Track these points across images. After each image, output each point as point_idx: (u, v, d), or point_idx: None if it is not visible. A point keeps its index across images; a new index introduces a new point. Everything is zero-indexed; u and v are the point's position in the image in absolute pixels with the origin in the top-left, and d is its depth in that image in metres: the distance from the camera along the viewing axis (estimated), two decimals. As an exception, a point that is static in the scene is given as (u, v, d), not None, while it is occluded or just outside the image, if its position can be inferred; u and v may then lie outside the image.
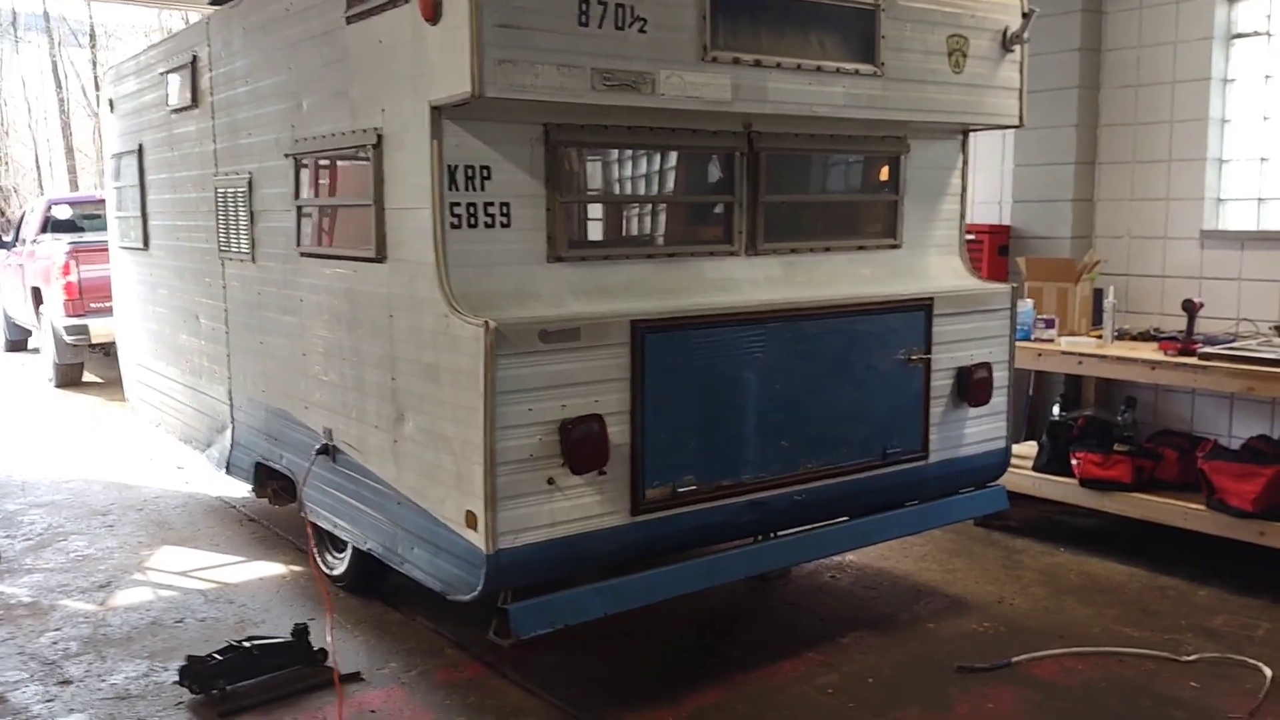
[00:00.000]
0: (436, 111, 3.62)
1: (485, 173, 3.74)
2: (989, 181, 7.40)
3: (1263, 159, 6.24)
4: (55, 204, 13.25)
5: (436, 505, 3.83)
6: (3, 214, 30.46)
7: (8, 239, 13.78)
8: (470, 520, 3.61)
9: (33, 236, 12.61)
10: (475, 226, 3.73)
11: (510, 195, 3.80)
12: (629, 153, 4.18)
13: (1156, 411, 6.46)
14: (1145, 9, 6.53)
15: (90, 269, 10.84)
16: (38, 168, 33.20)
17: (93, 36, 31.35)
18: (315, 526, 4.97)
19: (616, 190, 4.27)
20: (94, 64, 32.02)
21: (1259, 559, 5.26)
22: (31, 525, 6.54)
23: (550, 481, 3.68)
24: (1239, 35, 6.28)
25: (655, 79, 3.74)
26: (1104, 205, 6.82)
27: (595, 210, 4.21)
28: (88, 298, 10.93)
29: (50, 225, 12.66)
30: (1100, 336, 5.99)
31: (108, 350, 11.29)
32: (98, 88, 31.37)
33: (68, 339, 11.11)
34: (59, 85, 32.41)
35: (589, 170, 4.13)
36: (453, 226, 3.68)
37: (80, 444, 8.84)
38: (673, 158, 4.26)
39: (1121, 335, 6.12)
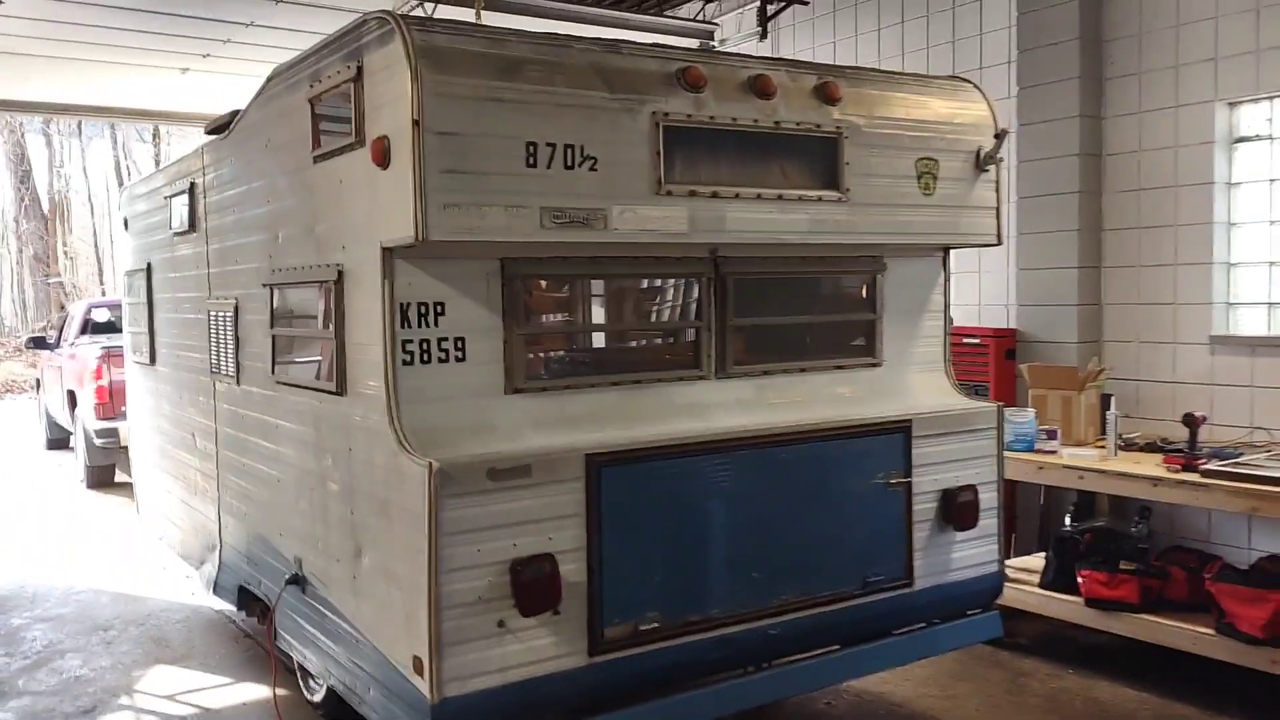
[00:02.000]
0: (388, 252, 3.65)
1: (439, 309, 3.75)
2: (995, 285, 7.31)
3: (1271, 263, 6.09)
4: (95, 307, 13.60)
5: (389, 646, 3.77)
6: (63, 309, 31.50)
7: (51, 339, 14.16)
8: (417, 666, 3.54)
9: (72, 338, 12.94)
10: (429, 362, 3.73)
11: (465, 330, 3.80)
12: (591, 282, 4.17)
13: (1173, 522, 6.23)
14: (1144, 114, 6.48)
15: (122, 372, 11.05)
16: (99, 264, 34.26)
17: (156, 133, 32.54)
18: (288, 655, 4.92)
19: (578, 319, 4.26)
20: (156, 160, 33.27)
21: (1276, 687, 5.00)
22: (32, 642, 6.57)
23: (500, 624, 3.60)
24: (1241, 139, 6.19)
25: (608, 214, 3.75)
26: (1111, 309, 6.70)
27: (555, 341, 4.19)
28: (118, 401, 11.11)
29: (89, 327, 12.99)
30: (1104, 447, 5.81)
31: (136, 453, 11.46)
32: (156, 186, 32.55)
33: (98, 441, 11.31)
34: (121, 183, 33.66)
35: (548, 301, 4.13)
36: (405, 363, 3.68)
37: (98, 549, 8.92)
38: (636, 285, 4.24)
39: (1129, 445, 5.95)
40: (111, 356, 11.22)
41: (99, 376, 11.25)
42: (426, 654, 3.48)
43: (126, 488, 11.87)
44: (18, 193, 31.44)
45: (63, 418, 13.57)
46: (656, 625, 3.92)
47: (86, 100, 10.71)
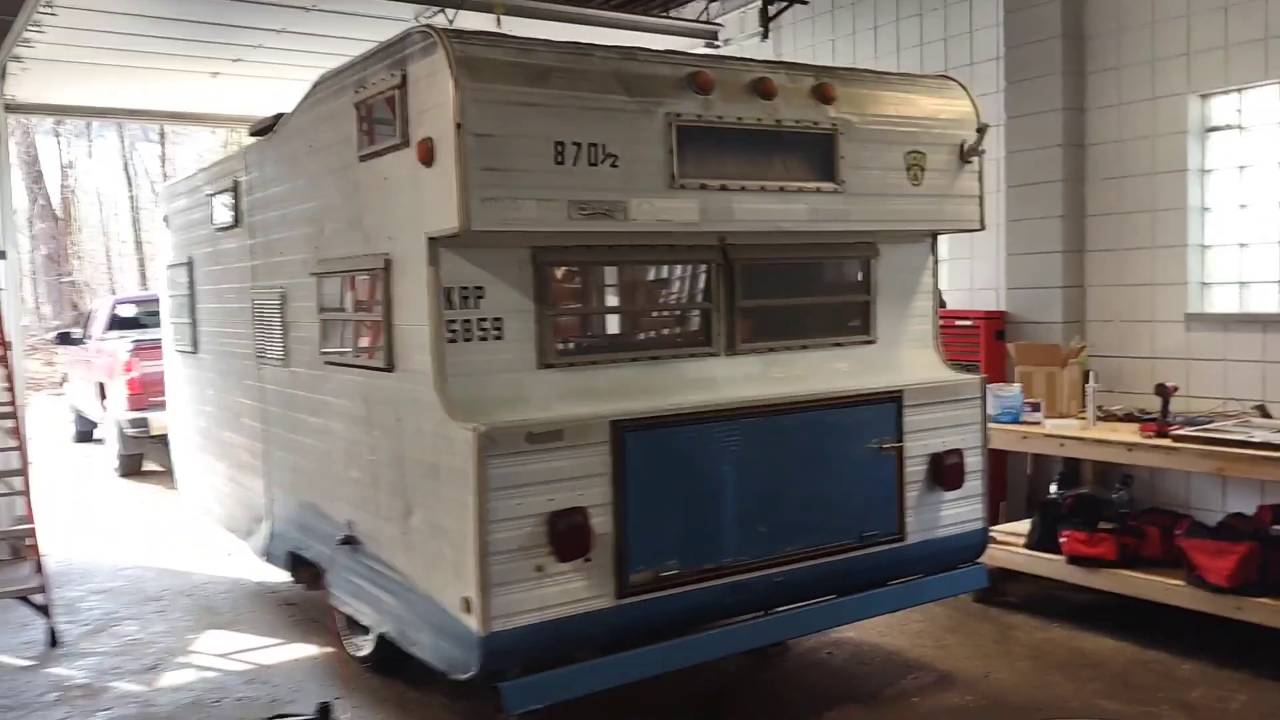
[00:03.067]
0: (433, 241, 4.11)
1: (479, 292, 4.22)
2: (986, 269, 7.76)
3: (1242, 245, 6.53)
4: (120, 303, 14.06)
5: (439, 592, 4.24)
6: (75, 307, 31.98)
7: (77, 335, 14.64)
8: (465, 605, 4.01)
9: (99, 333, 13.41)
10: (470, 340, 4.20)
11: (502, 311, 4.26)
12: (613, 268, 4.63)
13: (1153, 489, 6.68)
14: (1123, 106, 6.91)
15: (150, 365, 11.51)
16: (109, 262, 34.73)
17: (162, 134, 33.02)
18: (341, 611, 5.40)
19: (601, 302, 4.72)
20: (163, 160, 33.75)
21: (1241, 633, 5.45)
22: (90, 611, 7.06)
23: (539, 569, 4.07)
24: (1213, 129, 6.62)
25: (627, 206, 4.21)
26: (1094, 291, 7.14)
27: (581, 321, 4.66)
28: (148, 392, 11.59)
29: (115, 322, 13.46)
30: (1085, 418, 6.27)
31: (167, 441, 11.94)
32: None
33: (129, 431, 11.78)
34: (129, 183, 34.14)
35: (575, 285, 4.59)
36: (449, 341, 4.15)
37: (139, 531, 9.42)
38: (653, 271, 4.70)
39: (1108, 416, 6.39)
40: (141, 350, 11.69)
41: (129, 369, 11.71)
42: (475, 595, 3.94)
43: (156, 475, 12.40)
44: (31, 194, 31.89)
45: (91, 410, 14.05)
46: (675, 572, 4.38)
47: (123, 104, 11.19)
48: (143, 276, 33.20)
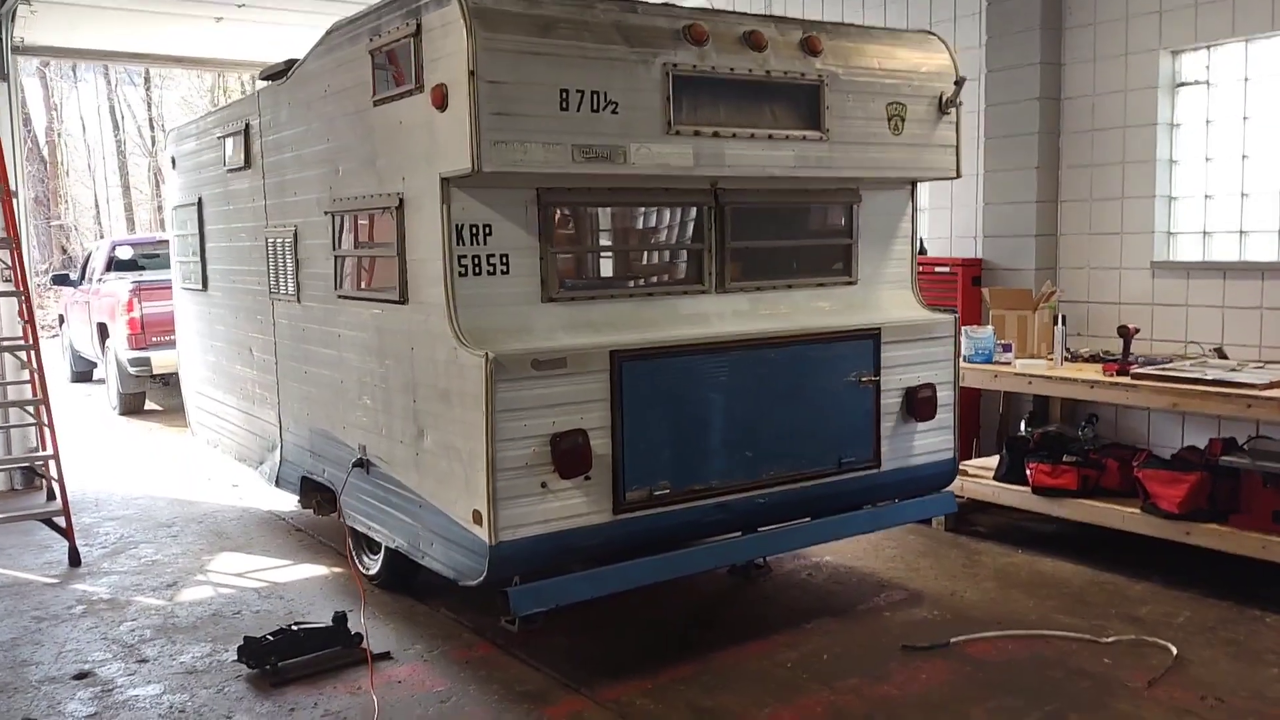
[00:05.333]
0: (445, 181, 4.41)
1: (487, 230, 4.53)
2: (965, 219, 8.09)
3: (1207, 196, 6.88)
4: (119, 245, 14.27)
5: (450, 506, 4.60)
6: (65, 251, 32.02)
7: (74, 277, 14.86)
8: (476, 518, 4.37)
9: (98, 275, 13.64)
10: (479, 274, 4.52)
11: (509, 248, 4.58)
12: (611, 209, 4.95)
13: (1117, 428, 7.09)
14: (1099, 60, 7.21)
15: (152, 305, 11.80)
16: (96, 206, 34.70)
17: (147, 78, 32.88)
18: (353, 531, 5.76)
19: (601, 241, 5.04)
20: (149, 104, 33.61)
21: (1191, 557, 5.87)
22: (106, 535, 7.41)
23: (543, 485, 4.43)
24: (1183, 84, 6.94)
25: (626, 151, 4.52)
26: (1066, 239, 7.49)
27: (582, 258, 4.98)
28: (150, 332, 11.89)
29: (114, 264, 13.68)
30: (1053, 359, 6.65)
31: (167, 380, 12.26)
32: (152, 127, 32.96)
33: (131, 370, 12.08)
34: (116, 126, 34.02)
35: (576, 225, 4.90)
36: (460, 275, 4.47)
37: (145, 465, 9.76)
38: (649, 212, 5.02)
39: (1075, 357, 6.78)
40: (143, 290, 11.95)
41: (131, 309, 11.99)
42: (485, 507, 4.30)
43: (156, 414, 12.73)
44: (18, 137, 31.79)
45: (89, 351, 14.32)
46: (667, 491, 4.75)
47: (128, 48, 11.34)
48: (130, 220, 33.23)
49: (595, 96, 4.42)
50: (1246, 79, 6.60)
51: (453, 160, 4.32)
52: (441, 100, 4.34)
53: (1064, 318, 6.78)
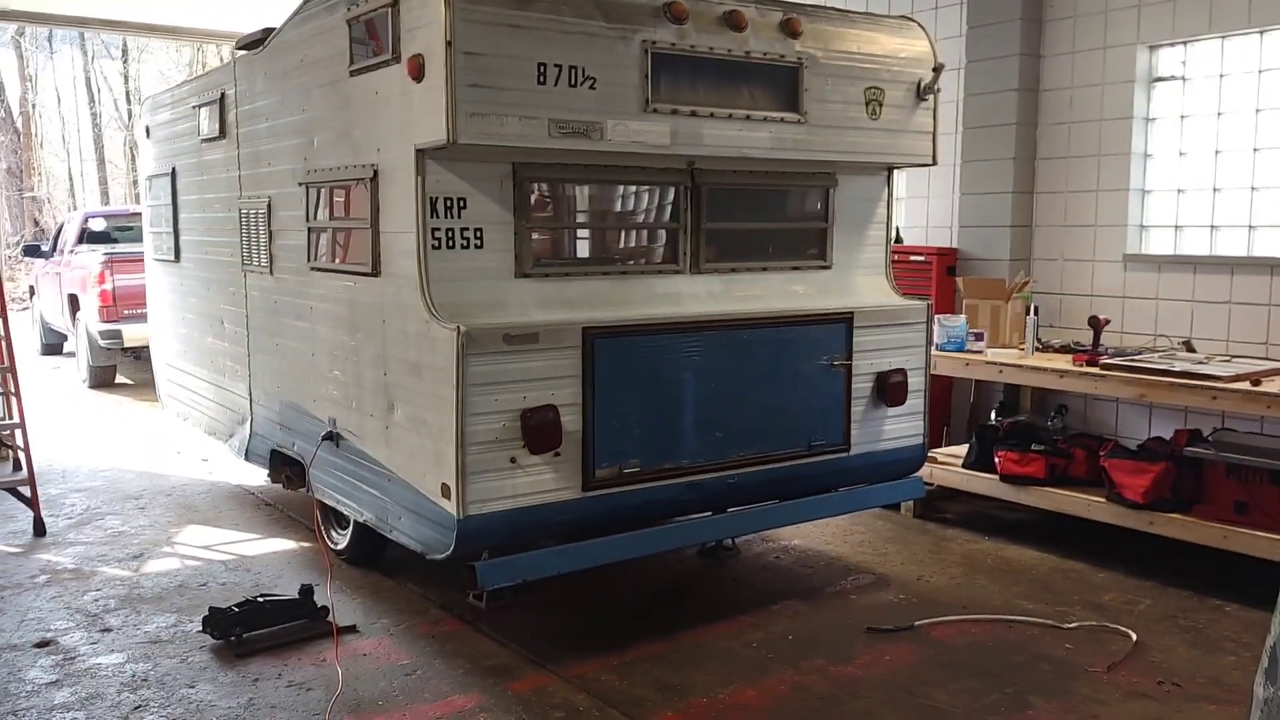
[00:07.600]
0: (420, 153, 4.38)
1: (462, 203, 4.51)
2: (941, 208, 8.13)
3: (1179, 190, 6.93)
4: (91, 216, 14.13)
5: (419, 480, 4.59)
6: (37, 224, 31.62)
7: (45, 249, 14.69)
8: (445, 491, 4.36)
9: (69, 247, 13.49)
10: (453, 248, 4.50)
11: (483, 222, 4.56)
12: (588, 186, 4.93)
13: (1086, 418, 7.15)
14: (1077, 53, 7.25)
15: (124, 278, 11.69)
16: (70, 179, 34.31)
17: (125, 50, 32.49)
18: (321, 505, 5.74)
19: (576, 217, 5.03)
20: (125, 77, 33.22)
21: (1155, 546, 5.94)
22: (72, 506, 7.35)
23: (512, 460, 4.42)
24: (1159, 79, 6.99)
25: (603, 127, 4.50)
26: (1040, 231, 7.54)
27: (557, 235, 4.97)
28: (121, 305, 11.77)
29: (86, 236, 13.54)
30: (1024, 348, 6.69)
31: (138, 354, 12.16)
32: (129, 100, 32.59)
33: (102, 343, 11.96)
34: (92, 99, 33.60)
35: (552, 200, 4.89)
36: (433, 248, 4.44)
37: (113, 438, 9.68)
38: (625, 190, 5.01)
39: (1046, 347, 6.83)
40: (115, 262, 11.83)
41: (102, 281, 11.86)
42: (454, 481, 4.30)
43: (127, 388, 12.61)
44: (-9, 106, 31.38)
45: (59, 323, 14.17)
46: (637, 469, 4.76)
47: (105, 14, 11.20)
48: (105, 193, 32.86)
49: (573, 71, 4.40)
50: (1222, 75, 6.65)
51: (428, 132, 4.29)
52: (418, 71, 4.31)
53: (1036, 308, 6.83)
